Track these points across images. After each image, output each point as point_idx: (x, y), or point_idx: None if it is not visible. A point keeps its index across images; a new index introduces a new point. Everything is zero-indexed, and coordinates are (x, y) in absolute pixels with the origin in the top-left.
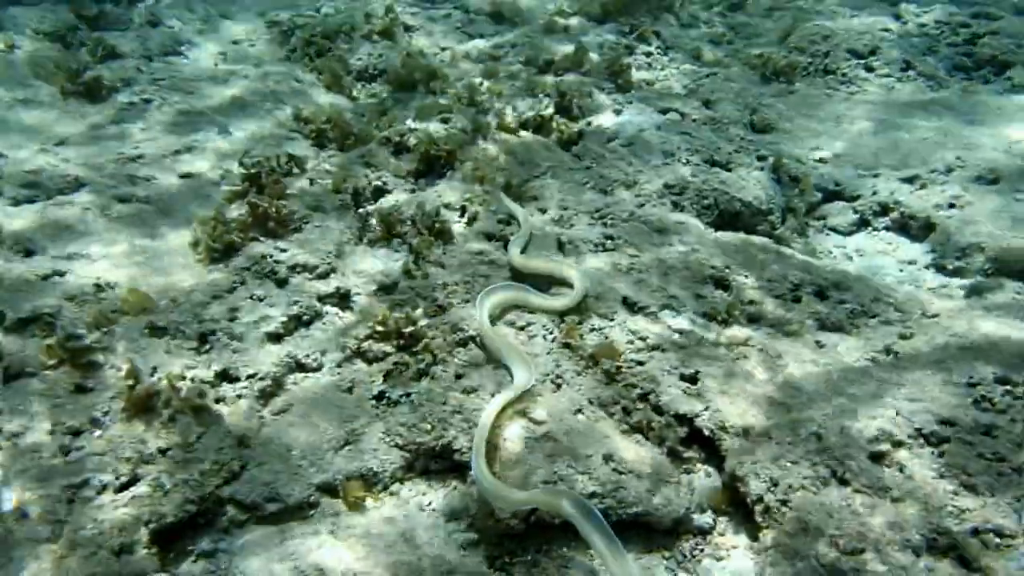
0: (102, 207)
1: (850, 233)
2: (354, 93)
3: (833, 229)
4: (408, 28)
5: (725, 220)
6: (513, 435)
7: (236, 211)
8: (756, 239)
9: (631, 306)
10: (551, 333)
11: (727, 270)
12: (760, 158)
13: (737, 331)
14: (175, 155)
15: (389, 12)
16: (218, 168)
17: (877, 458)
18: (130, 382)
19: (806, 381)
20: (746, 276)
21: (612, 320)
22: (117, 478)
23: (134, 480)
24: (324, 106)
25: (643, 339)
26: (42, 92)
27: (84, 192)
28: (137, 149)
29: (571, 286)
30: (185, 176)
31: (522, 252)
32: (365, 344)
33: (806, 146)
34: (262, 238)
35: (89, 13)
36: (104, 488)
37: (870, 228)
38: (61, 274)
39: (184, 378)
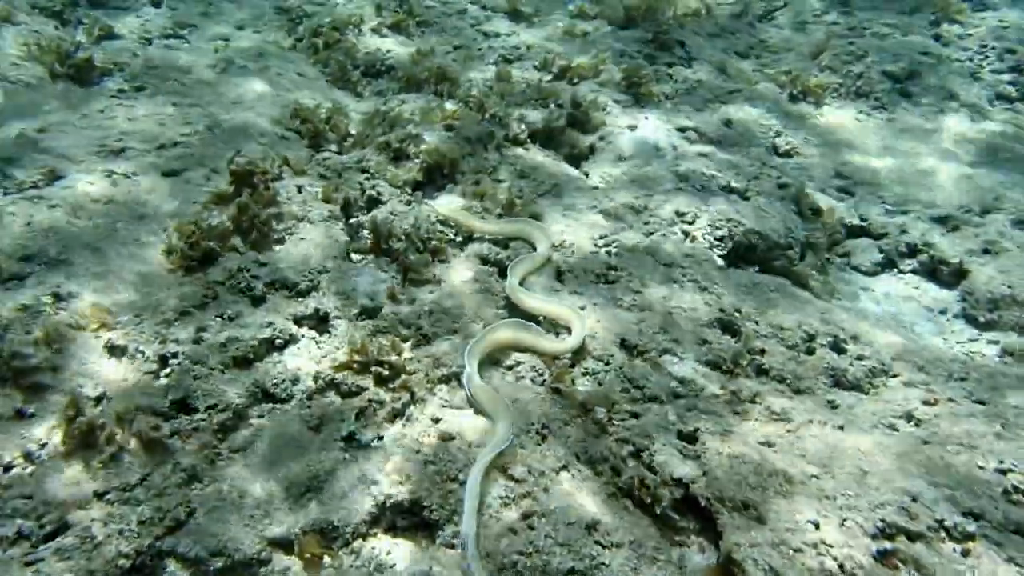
0: (74, 207)
1: (874, 274)
2: (359, 89)
3: (856, 268)
4: (421, 23)
5: (739, 253)
6: (488, 496)
7: (218, 216)
8: (771, 279)
9: (629, 349)
10: (540, 375)
11: (736, 313)
12: (781, 186)
13: (743, 384)
14: (159, 150)
15: (403, 4)
16: (206, 167)
17: (886, 555)
18: (70, 412)
19: (813, 450)
20: (757, 321)
21: (607, 364)
22: (42, 526)
23: (62, 528)
24: (324, 104)
25: (639, 387)
26: (29, 72)
27: (59, 187)
28: (121, 142)
29: (568, 329)
30: (169, 174)
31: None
32: (340, 375)
33: (830, 175)
34: (241, 248)
35: None
36: (24, 537)
37: (896, 270)
38: (20, 279)
39: (137, 408)
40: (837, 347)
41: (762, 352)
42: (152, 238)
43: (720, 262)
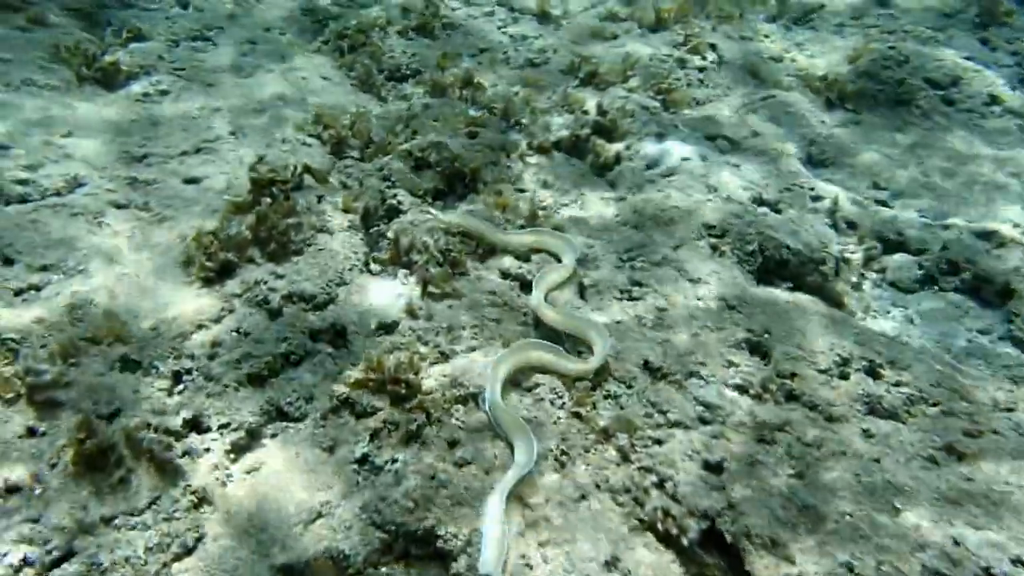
0: (95, 213)
1: (912, 291)
2: (383, 93)
3: (893, 284)
4: (447, 26)
5: (770, 268)
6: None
7: (237, 226)
8: (803, 297)
9: (654, 371)
10: (560, 398)
11: (766, 335)
12: (815, 198)
13: (772, 411)
14: (182, 156)
15: (429, 7)
16: (226, 174)
17: None
18: (81, 435)
19: (845, 484)
20: (787, 343)
21: (631, 387)
22: (48, 552)
23: (68, 555)
24: (347, 109)
25: (663, 412)
26: (56, 76)
27: (80, 194)
28: (144, 147)
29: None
30: (190, 181)
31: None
32: (355, 393)
33: (868, 186)
34: (259, 259)
35: None
36: (29, 565)
37: (936, 287)
38: (37, 289)
39: (149, 426)
40: (873, 372)
41: (792, 376)
42: (171, 246)
43: (750, 278)
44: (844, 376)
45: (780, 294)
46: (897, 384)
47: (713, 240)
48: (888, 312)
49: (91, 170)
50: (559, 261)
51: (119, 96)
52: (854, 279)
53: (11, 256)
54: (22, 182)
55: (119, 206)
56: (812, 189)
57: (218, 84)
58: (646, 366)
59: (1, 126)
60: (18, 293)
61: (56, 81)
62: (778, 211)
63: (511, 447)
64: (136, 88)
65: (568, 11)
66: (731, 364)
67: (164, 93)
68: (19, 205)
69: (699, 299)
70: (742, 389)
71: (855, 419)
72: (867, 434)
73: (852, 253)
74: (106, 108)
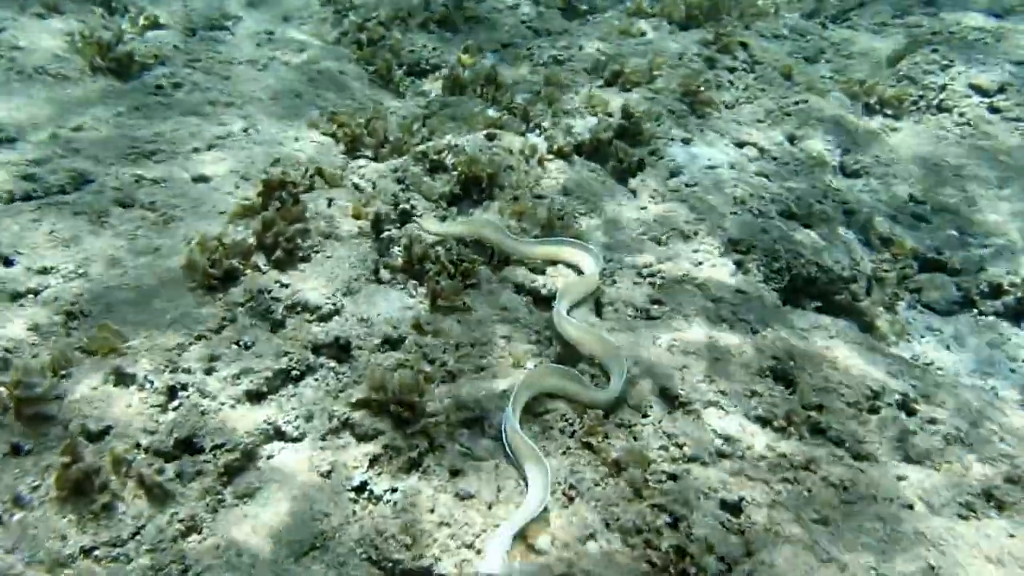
0: (99, 212)
1: (949, 313)
2: (401, 89)
3: (929, 307)
4: (469, 19)
5: (797, 286)
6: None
7: (244, 231)
8: (832, 321)
9: (670, 399)
10: (571, 426)
11: (792, 362)
12: (848, 212)
13: (797, 447)
14: (192, 153)
15: None
16: (236, 172)
17: None
18: (66, 459)
19: (871, 532)
20: (814, 372)
21: (646, 416)
22: None
23: None
24: (363, 106)
25: (680, 445)
26: (70, 66)
27: (85, 191)
28: (154, 143)
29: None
30: (199, 179)
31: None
32: (357, 414)
33: (903, 200)
34: (264, 267)
35: None
36: None
37: (976, 311)
38: (35, 293)
39: (139, 446)
40: (906, 407)
41: (819, 408)
42: (174, 252)
43: (776, 297)
44: (875, 410)
45: (808, 316)
46: (932, 421)
47: (738, 256)
48: (923, 336)
49: (98, 166)
50: (579, 273)
51: (132, 87)
52: (887, 299)
53: (11, 257)
54: (28, 177)
55: (124, 205)
56: (845, 202)
57: (233, 77)
58: (662, 393)
59: (11, 118)
60: (15, 298)
61: (70, 71)
62: (808, 225)
63: (523, 478)
64: (150, 79)
65: (595, 5)
66: (754, 393)
67: (178, 86)
68: (23, 203)
69: (722, 320)
70: (764, 421)
71: (886, 459)
72: (899, 476)
73: (886, 272)
74: (118, 100)
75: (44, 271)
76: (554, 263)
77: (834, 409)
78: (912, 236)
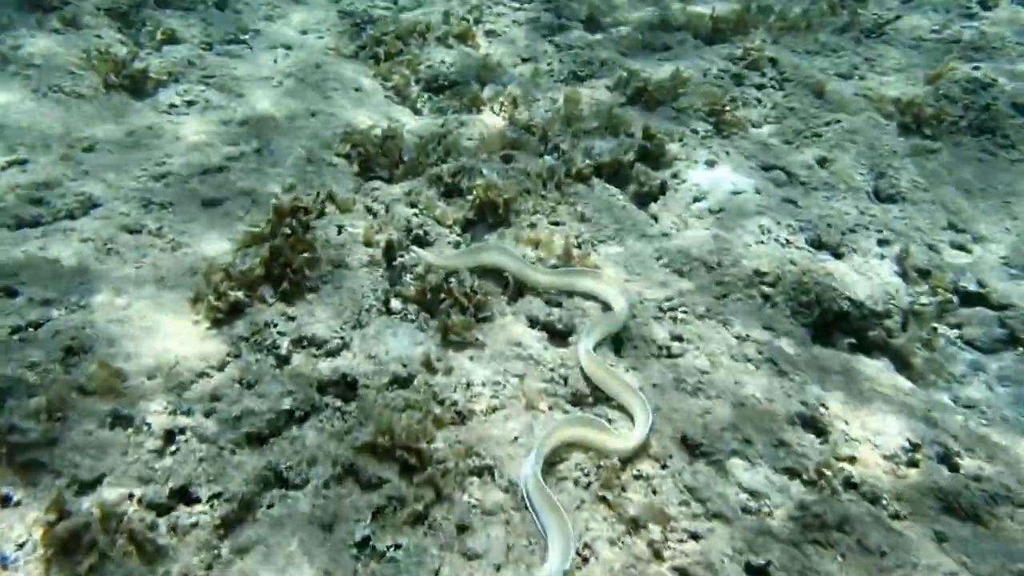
0: (106, 240)
1: (993, 351)
2: (418, 105)
3: (970, 344)
4: (489, 33)
5: (828, 322)
6: None
7: (250, 260)
8: (867, 363)
9: (692, 448)
10: (586, 476)
11: (822, 408)
12: (882, 242)
13: (829, 504)
14: (203, 175)
15: (472, 11)
16: (247, 195)
17: None
18: (51, 516)
19: None
20: (847, 420)
21: (665, 467)
22: None
23: None
24: (379, 124)
25: (702, 501)
26: (84, 82)
27: (93, 216)
28: (164, 165)
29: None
30: (209, 204)
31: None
32: (361, 460)
33: (944, 227)
34: (270, 298)
35: None
36: None
37: (1022, 348)
38: (36, 326)
39: (131, 496)
40: (948, 460)
41: (852, 460)
42: (179, 283)
43: (804, 334)
44: (913, 463)
45: (839, 357)
46: (977, 479)
47: (765, 289)
48: (964, 376)
49: (107, 189)
50: (605, 307)
51: (146, 106)
52: (925, 336)
53: (15, 288)
54: (36, 201)
55: (131, 231)
56: (880, 231)
57: (248, 94)
58: (684, 442)
59: (24, 138)
60: (15, 331)
61: (84, 88)
62: (839, 256)
63: (543, 537)
64: (163, 98)
65: (618, 19)
66: (781, 443)
67: (191, 104)
68: (30, 228)
69: (748, 360)
70: (794, 473)
71: (926, 519)
72: (940, 537)
73: (923, 306)
74: (131, 119)
75: (46, 303)
76: (577, 295)
77: (869, 462)
78: (953, 267)
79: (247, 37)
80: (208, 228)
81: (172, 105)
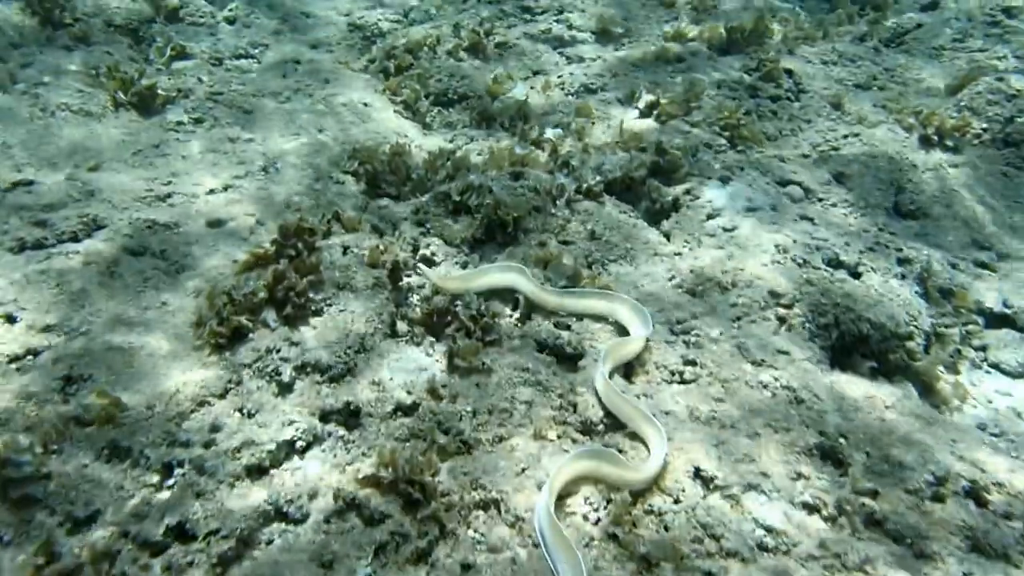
0: (108, 262)
1: (1020, 375)
2: (428, 119)
3: (996, 367)
4: (500, 45)
5: (846, 343)
6: None
7: (254, 283)
8: (887, 390)
9: (706, 480)
10: (596, 511)
11: (842, 439)
12: (903, 260)
13: (849, 543)
14: (209, 195)
15: (483, 24)
16: (252, 215)
17: None
18: (39, 560)
19: None
20: (868, 451)
21: (678, 502)
22: None
23: None
24: (387, 139)
25: (716, 537)
26: (93, 101)
27: (97, 238)
28: (170, 184)
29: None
30: (213, 224)
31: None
32: (364, 492)
33: (967, 244)
34: (273, 323)
35: (170, 3)
36: None
37: None
38: (35, 354)
39: (127, 535)
40: (976, 495)
41: (875, 495)
42: (182, 307)
43: (823, 357)
44: (939, 498)
45: (860, 384)
46: (1007, 516)
47: (781, 310)
48: (990, 402)
49: (112, 210)
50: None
51: (153, 123)
52: (948, 359)
53: (14, 314)
54: (40, 223)
55: (134, 253)
56: (900, 249)
57: (256, 110)
58: (698, 475)
59: (31, 159)
60: (13, 360)
61: (92, 107)
62: (858, 275)
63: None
64: (171, 116)
65: (631, 29)
66: (799, 476)
67: (199, 121)
68: (33, 251)
69: (763, 386)
70: (813, 509)
71: (953, 559)
72: None
73: (947, 328)
74: (139, 137)
75: (47, 329)
76: (594, 318)
77: (892, 497)
78: (977, 286)
79: (257, 52)
80: (211, 250)
81: (179, 123)
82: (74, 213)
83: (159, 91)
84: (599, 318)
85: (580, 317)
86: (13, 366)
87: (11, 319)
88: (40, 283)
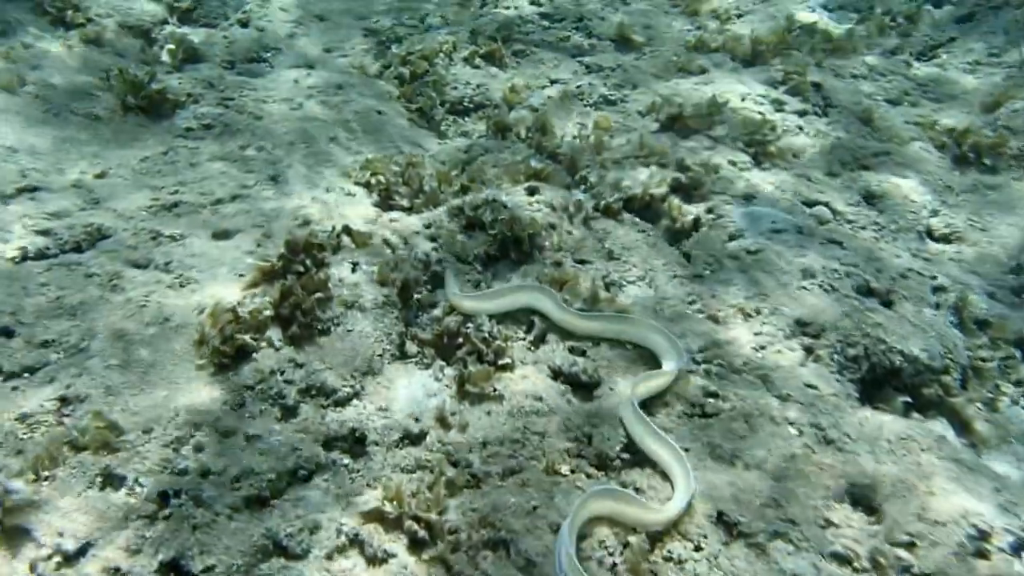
0: (111, 276)
1: None
2: (443, 128)
3: None
4: (517, 53)
5: (877, 376)
6: None
7: (260, 299)
8: (923, 430)
9: (729, 527)
10: (611, 556)
11: (875, 484)
12: (937, 289)
13: None
14: (216, 205)
15: (501, 30)
16: (260, 227)
17: None
18: None
19: None
20: (905, 496)
21: (699, 549)
22: None
23: None
24: (401, 150)
25: None
26: (102, 104)
27: (100, 249)
28: (177, 194)
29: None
30: (220, 236)
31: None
32: (367, 529)
33: (1005, 271)
34: (278, 342)
35: (183, 4)
36: None
37: None
38: (32, 371)
39: (118, 571)
40: (1021, 551)
41: (911, 546)
42: (184, 323)
43: (852, 390)
44: (982, 554)
45: (894, 423)
46: None
47: (807, 340)
48: None
49: (117, 220)
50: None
51: (161, 129)
52: (986, 395)
53: (12, 328)
54: (44, 232)
55: (138, 266)
56: (934, 276)
57: (266, 116)
58: (720, 520)
59: (37, 164)
60: (9, 378)
61: (100, 111)
62: (889, 303)
63: None
64: (180, 121)
65: (652, 38)
66: (829, 524)
67: (208, 127)
68: (35, 262)
69: (790, 424)
70: (844, 560)
71: None
72: None
73: (983, 361)
74: (146, 143)
75: (44, 345)
76: (610, 343)
77: (931, 550)
78: (1016, 317)
79: (269, 55)
80: (217, 264)
81: (188, 129)
82: (79, 223)
83: (169, 95)
84: (617, 342)
85: (597, 342)
86: (9, 385)
87: (8, 332)
88: (40, 294)
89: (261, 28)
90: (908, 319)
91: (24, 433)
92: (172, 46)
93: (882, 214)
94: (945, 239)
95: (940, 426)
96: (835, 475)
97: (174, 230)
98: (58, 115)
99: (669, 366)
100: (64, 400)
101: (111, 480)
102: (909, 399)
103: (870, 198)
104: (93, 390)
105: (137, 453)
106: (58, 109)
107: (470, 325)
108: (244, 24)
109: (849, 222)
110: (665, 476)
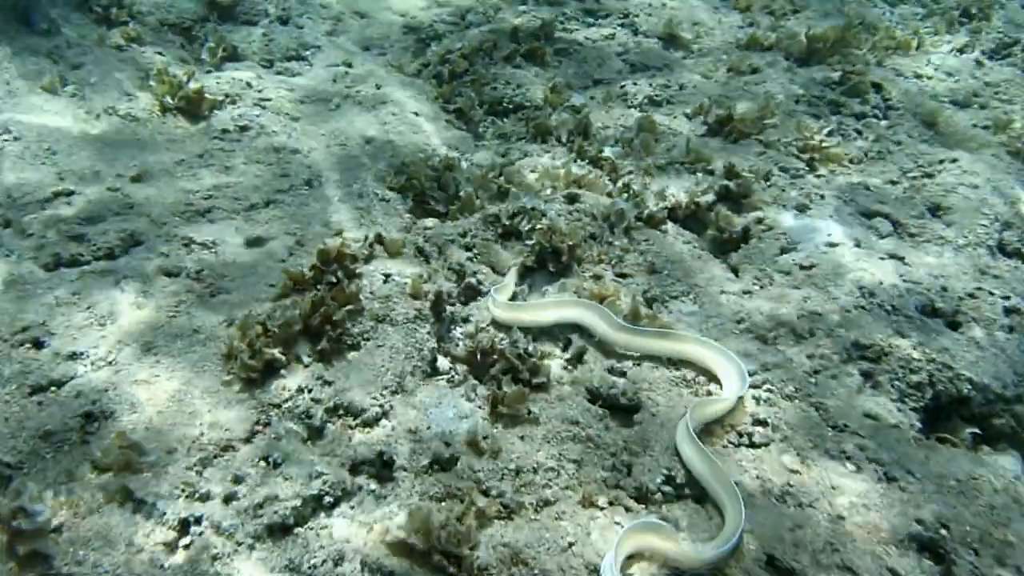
0: (143, 282)
1: None
2: (480, 130)
3: None
4: (559, 52)
5: (942, 405)
6: None
7: (290, 312)
8: (995, 468)
9: (781, 572)
10: None
11: (943, 530)
12: (1009, 311)
13: None
14: (249, 211)
15: (544, 28)
16: (293, 235)
17: None
18: None
19: None
20: (976, 545)
21: None
22: None
23: None
24: (437, 152)
25: None
26: (140, 105)
27: (133, 255)
28: (210, 199)
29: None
30: (253, 243)
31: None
32: (392, 561)
33: None
34: (307, 357)
35: (224, 1)
36: None
37: None
38: (59, 385)
39: None
40: None
41: None
42: (213, 335)
43: (915, 419)
44: None
45: (964, 459)
46: None
47: (866, 365)
48: None
49: (150, 225)
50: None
51: (199, 130)
52: None
53: (42, 338)
54: (77, 238)
55: (169, 274)
56: (1007, 296)
57: (304, 118)
58: (770, 564)
59: (74, 167)
60: (35, 392)
61: (139, 111)
62: (956, 326)
63: None
64: (216, 123)
65: (701, 35)
66: (892, 573)
67: (244, 129)
68: (67, 269)
69: (847, 458)
70: None
71: None
72: None
73: None
74: (183, 145)
75: (73, 356)
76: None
77: None
78: None
79: (308, 53)
80: (249, 272)
81: (224, 131)
82: (112, 229)
83: (207, 95)
84: (658, 360)
85: (639, 361)
86: (35, 399)
87: (39, 344)
88: (71, 303)
89: (300, 25)
90: (976, 342)
91: (47, 451)
92: (212, 44)
93: (948, 227)
94: (1019, 254)
95: (1015, 464)
96: (897, 517)
97: (207, 237)
98: (98, 117)
99: (731, 391)
100: (88, 416)
101: (130, 504)
102: (978, 430)
103: (934, 209)
104: (118, 406)
105: (160, 474)
106: (96, 110)
107: (505, 341)
108: (284, 21)
109: (911, 235)
110: (710, 511)
